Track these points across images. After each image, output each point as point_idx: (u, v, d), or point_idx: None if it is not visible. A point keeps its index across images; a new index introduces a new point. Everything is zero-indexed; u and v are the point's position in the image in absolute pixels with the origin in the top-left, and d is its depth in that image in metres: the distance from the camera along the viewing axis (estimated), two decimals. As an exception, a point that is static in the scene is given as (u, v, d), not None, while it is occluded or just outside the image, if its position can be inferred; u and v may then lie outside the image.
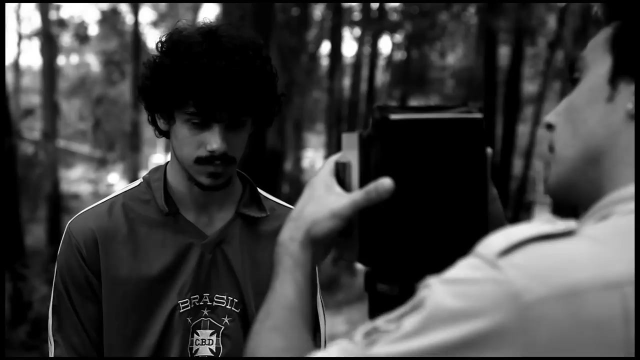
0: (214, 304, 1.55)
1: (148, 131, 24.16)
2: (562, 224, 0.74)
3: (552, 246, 0.71)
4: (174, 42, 1.47)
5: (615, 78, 0.81)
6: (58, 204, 12.97)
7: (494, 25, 13.39)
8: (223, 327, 1.55)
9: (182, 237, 1.56)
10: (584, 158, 0.83)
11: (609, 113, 0.81)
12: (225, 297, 1.55)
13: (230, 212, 1.60)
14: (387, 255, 0.88)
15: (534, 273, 0.69)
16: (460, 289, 0.70)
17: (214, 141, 1.45)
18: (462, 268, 0.73)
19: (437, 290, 0.71)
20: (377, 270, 0.89)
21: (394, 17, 17.02)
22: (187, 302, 1.53)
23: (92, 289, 1.52)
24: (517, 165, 17.38)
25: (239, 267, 1.57)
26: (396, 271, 0.88)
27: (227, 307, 1.55)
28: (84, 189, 20.65)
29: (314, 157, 23.65)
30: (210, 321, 1.54)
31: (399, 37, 18.36)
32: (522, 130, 17.89)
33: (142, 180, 1.61)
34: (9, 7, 16.82)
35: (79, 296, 1.52)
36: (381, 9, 16.52)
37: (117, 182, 23.09)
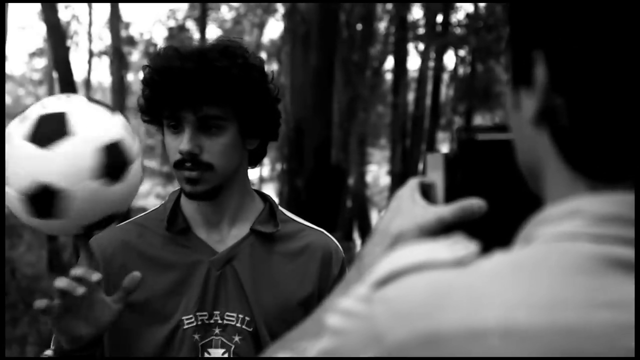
0: (225, 322, 1.53)
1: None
2: (463, 249, 0.67)
3: (431, 278, 0.63)
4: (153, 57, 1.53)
5: (515, 83, 0.72)
6: (127, 218, 13.21)
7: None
8: (234, 346, 1.53)
9: (190, 254, 1.56)
10: (529, 176, 0.75)
11: (522, 122, 0.71)
12: (235, 315, 1.53)
13: (244, 229, 1.59)
14: None
15: (401, 312, 0.62)
16: (342, 323, 0.67)
17: (182, 142, 1.47)
18: (352, 296, 0.68)
19: (331, 321, 0.68)
20: None
21: (459, 31, 16.92)
22: (191, 318, 1.52)
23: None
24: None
25: (249, 284, 1.55)
26: None
27: (238, 325, 1.53)
28: (152, 203, 21.06)
29: (378, 172, 23.62)
30: (222, 340, 1.52)
31: (463, 51, 18.24)
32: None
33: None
34: (82, 28, 17.30)
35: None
36: (446, 23, 16.44)
37: (183, 196, 23.43)
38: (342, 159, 12.59)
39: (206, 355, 1.52)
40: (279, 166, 16.38)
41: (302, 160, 10.44)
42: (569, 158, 0.66)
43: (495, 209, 0.87)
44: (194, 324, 1.52)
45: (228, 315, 1.53)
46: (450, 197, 0.91)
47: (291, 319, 1.49)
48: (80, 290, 1.29)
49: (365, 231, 15.70)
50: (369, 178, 20.44)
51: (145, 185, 23.99)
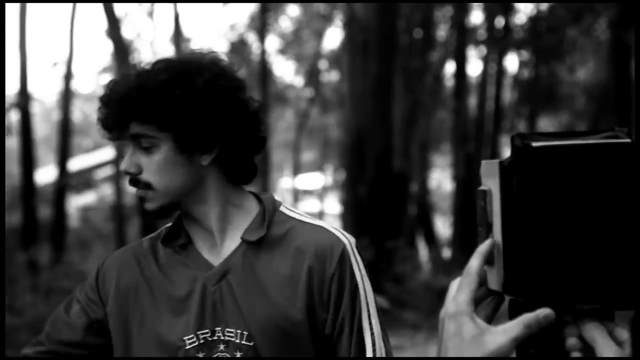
0: (226, 338, 1.49)
1: (276, 156, 24.41)
2: None
3: None
4: None
5: None
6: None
7: (626, 39, 12.88)
8: None
9: (188, 270, 1.55)
10: None
11: None
12: (234, 330, 1.49)
13: (238, 239, 1.55)
14: (533, 286, 0.87)
15: None
16: None
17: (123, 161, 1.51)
18: None
19: None
20: (523, 300, 0.88)
21: (520, 34, 16.68)
22: (193, 337, 1.50)
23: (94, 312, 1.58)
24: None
25: (242, 298, 1.50)
26: (542, 301, 0.87)
27: (237, 341, 1.49)
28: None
29: (441, 178, 23.42)
30: (227, 356, 1.50)
31: (525, 55, 17.97)
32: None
33: None
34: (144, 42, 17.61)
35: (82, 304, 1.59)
36: (506, 27, 16.24)
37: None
38: (404, 165, 12.54)
39: None
40: (340, 175, 16.38)
41: (364, 168, 10.43)
42: None
43: (552, 216, 0.86)
44: (196, 343, 1.50)
45: (228, 331, 1.50)
46: (506, 204, 0.89)
47: (289, 327, 1.47)
48: None
49: (430, 237, 15.58)
50: (432, 184, 20.29)
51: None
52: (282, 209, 1.60)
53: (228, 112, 1.48)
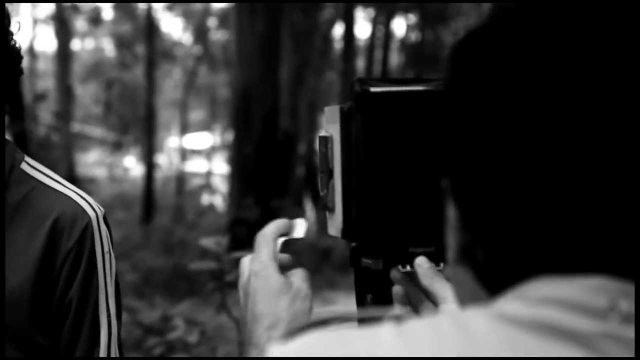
0: None
1: (163, 114, 24.04)
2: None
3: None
4: None
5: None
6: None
7: (507, 6, 13.26)
8: None
9: None
10: None
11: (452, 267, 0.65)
12: None
13: None
14: (370, 230, 0.88)
15: None
16: None
17: None
18: None
19: None
20: (361, 245, 0.90)
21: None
22: None
23: None
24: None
25: None
26: (379, 246, 0.88)
27: None
28: (101, 172, 20.75)
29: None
30: None
31: (412, 18, 18.25)
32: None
33: None
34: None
35: None
36: (395, -10, 16.41)
37: (133, 166, 23.17)
38: (291, 126, 12.55)
39: None
40: (228, 135, 16.26)
41: (251, 128, 10.38)
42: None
43: (389, 162, 0.86)
44: None
45: None
46: (346, 149, 0.89)
47: (17, 302, 1.33)
48: None
49: (317, 198, 15.73)
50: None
51: (93, 154, 23.66)
52: (23, 166, 1.40)
53: None
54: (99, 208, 1.43)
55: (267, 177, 10.05)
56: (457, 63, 0.58)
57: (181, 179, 18.85)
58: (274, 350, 0.55)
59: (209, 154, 22.17)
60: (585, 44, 0.51)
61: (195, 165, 22.35)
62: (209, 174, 19.76)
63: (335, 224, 0.93)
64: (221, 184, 17.48)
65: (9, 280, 1.33)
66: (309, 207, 15.00)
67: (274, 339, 0.83)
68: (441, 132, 0.58)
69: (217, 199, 16.26)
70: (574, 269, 0.50)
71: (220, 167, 20.20)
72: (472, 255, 0.57)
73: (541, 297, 0.50)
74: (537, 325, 0.49)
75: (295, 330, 0.63)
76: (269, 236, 0.91)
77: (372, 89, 0.86)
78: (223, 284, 3.59)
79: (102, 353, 1.39)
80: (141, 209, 15.27)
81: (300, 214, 12.63)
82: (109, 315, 1.41)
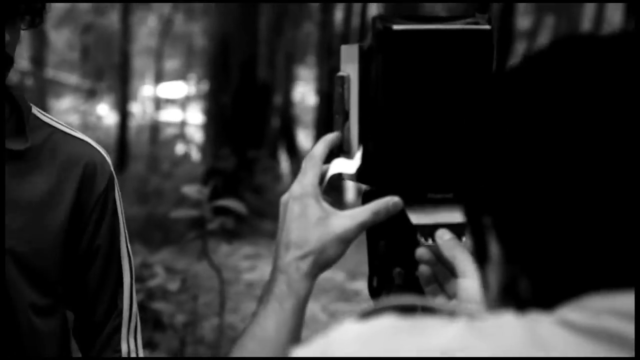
0: None
1: (138, 62, 23.75)
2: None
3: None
4: None
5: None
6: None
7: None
8: None
9: None
10: None
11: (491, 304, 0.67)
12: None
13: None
14: (387, 174, 0.85)
15: None
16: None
17: None
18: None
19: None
20: (377, 189, 0.87)
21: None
22: None
23: None
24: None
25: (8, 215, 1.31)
26: (397, 190, 0.85)
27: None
28: (74, 119, 20.48)
29: (305, 91, 23.47)
30: None
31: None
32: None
33: None
34: None
35: None
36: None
37: (107, 114, 22.89)
38: (268, 76, 12.44)
39: None
40: (204, 85, 16.08)
41: (228, 77, 10.27)
42: None
43: (410, 102, 0.84)
44: None
45: None
46: (364, 90, 0.86)
47: (49, 246, 1.35)
48: None
49: (292, 150, 15.69)
50: (296, 97, 20.32)
51: (66, 101, 23.32)
52: (34, 111, 1.40)
53: None
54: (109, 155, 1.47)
55: (244, 127, 9.99)
56: (501, 109, 0.60)
57: (155, 128, 18.66)
58: (348, 326, 0.58)
59: (183, 103, 21.94)
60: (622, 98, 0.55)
61: (170, 115, 22.12)
62: (183, 124, 19.59)
63: (350, 167, 0.89)
64: (195, 134, 17.35)
65: (41, 224, 1.34)
66: (283, 158, 14.97)
67: (302, 270, 0.83)
68: (483, 172, 0.61)
69: (193, 149, 16.16)
70: (626, 284, 0.55)
71: (194, 117, 20.03)
72: (514, 291, 0.59)
73: (601, 309, 0.55)
74: (598, 332, 0.54)
75: (371, 311, 0.64)
76: (316, 158, 0.87)
77: (395, 27, 0.83)
78: (205, 232, 3.58)
79: (126, 294, 1.44)
80: (115, 157, 15.14)
81: (275, 165, 12.61)
82: (129, 257, 1.45)
